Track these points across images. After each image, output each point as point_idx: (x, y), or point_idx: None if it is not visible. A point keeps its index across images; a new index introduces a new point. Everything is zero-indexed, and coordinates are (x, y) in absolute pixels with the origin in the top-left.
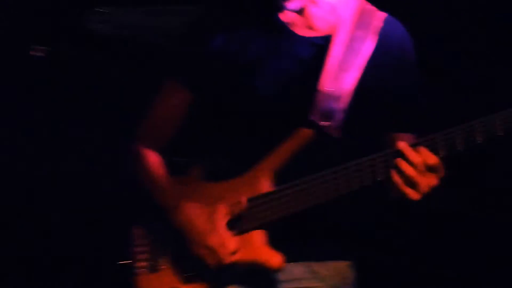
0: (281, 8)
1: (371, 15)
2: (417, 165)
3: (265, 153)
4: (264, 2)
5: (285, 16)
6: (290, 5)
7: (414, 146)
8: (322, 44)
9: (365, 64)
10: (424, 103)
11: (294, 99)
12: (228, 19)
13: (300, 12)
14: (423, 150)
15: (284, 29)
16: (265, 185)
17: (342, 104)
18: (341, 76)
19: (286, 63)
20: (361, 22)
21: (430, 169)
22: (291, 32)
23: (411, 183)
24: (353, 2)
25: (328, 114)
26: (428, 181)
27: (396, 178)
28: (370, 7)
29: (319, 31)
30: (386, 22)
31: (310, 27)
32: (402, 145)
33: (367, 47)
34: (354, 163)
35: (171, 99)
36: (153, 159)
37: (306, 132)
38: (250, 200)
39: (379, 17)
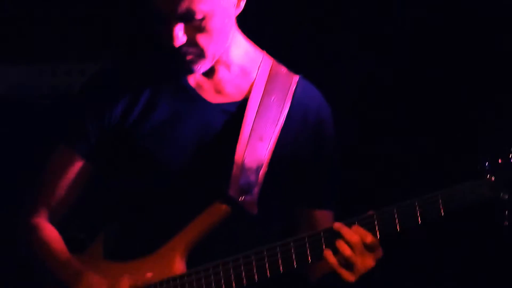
0: (189, 71)
1: (284, 79)
2: (354, 245)
3: (176, 229)
4: (170, 63)
5: (194, 80)
6: (198, 67)
7: (349, 224)
8: (234, 112)
9: (279, 132)
10: (339, 177)
11: (208, 171)
12: (131, 82)
13: (209, 75)
14: (360, 229)
15: (193, 94)
16: (179, 266)
17: (259, 177)
18: (257, 146)
19: (197, 131)
20: (274, 86)
21: (368, 248)
22: (200, 98)
23: (347, 264)
24: (265, 65)
25: (246, 189)
26: (365, 262)
27: (331, 258)
28: (282, 69)
29: (230, 97)
30: (299, 85)
31: (220, 92)
32: (338, 224)
33: (281, 114)
34: (280, 243)
35: (67, 167)
36: (50, 232)
37: (222, 208)
38: (161, 283)
39: (292, 80)
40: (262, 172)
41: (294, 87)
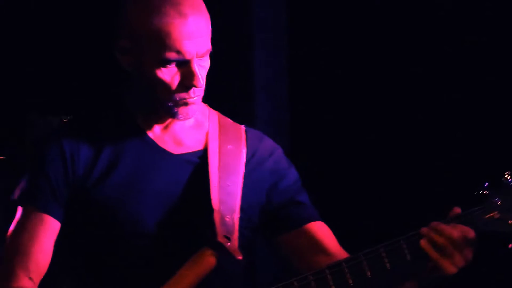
0: (189, 114)
1: (233, 128)
2: (452, 237)
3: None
4: (126, 118)
5: (152, 133)
6: (196, 108)
7: (447, 222)
8: (197, 161)
9: (243, 179)
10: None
11: (188, 221)
12: (90, 138)
13: (167, 127)
14: (461, 226)
15: (155, 147)
16: None
17: (235, 223)
18: (227, 194)
19: (165, 183)
20: (227, 136)
21: (467, 242)
22: (163, 150)
23: (447, 254)
24: (213, 116)
25: (228, 235)
26: (464, 254)
27: (431, 251)
28: (228, 120)
29: (190, 147)
30: (248, 133)
31: (179, 143)
32: (435, 223)
33: (240, 162)
34: (370, 250)
35: (34, 227)
36: None
37: (211, 255)
38: None
39: (241, 129)
40: (236, 218)
41: (245, 136)
